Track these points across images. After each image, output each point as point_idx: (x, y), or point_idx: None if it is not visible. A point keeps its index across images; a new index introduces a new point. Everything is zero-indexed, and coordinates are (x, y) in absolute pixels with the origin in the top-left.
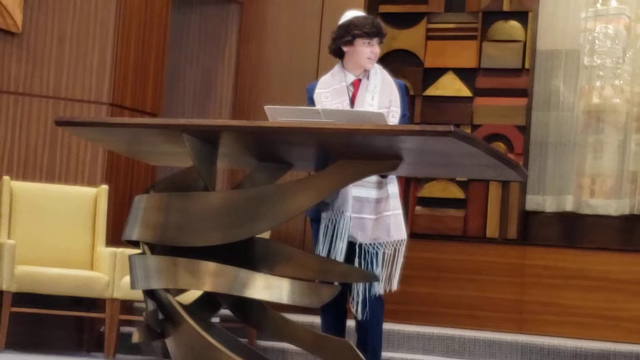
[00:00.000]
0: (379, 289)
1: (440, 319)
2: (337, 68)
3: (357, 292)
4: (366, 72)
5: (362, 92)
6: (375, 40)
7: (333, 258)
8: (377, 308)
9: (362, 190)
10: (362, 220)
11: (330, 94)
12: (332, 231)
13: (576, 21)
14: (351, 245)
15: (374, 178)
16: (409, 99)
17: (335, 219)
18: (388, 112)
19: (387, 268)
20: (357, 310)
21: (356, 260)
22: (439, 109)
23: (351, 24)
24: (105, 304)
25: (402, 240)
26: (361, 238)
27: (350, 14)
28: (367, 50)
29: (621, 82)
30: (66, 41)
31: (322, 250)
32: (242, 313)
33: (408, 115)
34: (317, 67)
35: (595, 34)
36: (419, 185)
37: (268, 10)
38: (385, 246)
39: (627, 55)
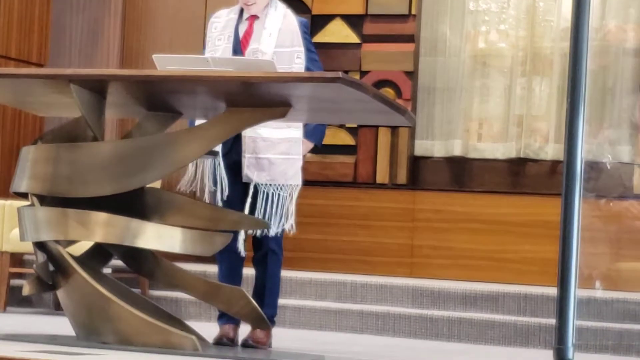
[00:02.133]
0: (275, 229)
1: (332, 265)
2: (239, 3)
3: (243, 235)
4: (265, 9)
5: (258, 29)
6: None
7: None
8: (275, 258)
9: (264, 130)
10: (259, 160)
11: (219, 24)
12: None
13: None
14: (245, 185)
15: None
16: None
17: (210, 161)
18: (292, 52)
19: (283, 210)
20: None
21: (249, 200)
22: (327, 56)
23: None
24: None
25: (296, 186)
26: (257, 178)
27: None
28: None
29: (506, 26)
30: None
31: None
32: (134, 263)
33: (317, 58)
34: (204, 14)
35: None
36: None
37: None
38: (281, 189)
39: None
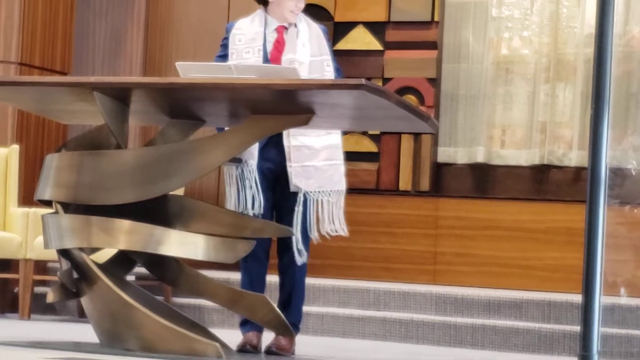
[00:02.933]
0: (326, 230)
1: (355, 272)
2: (258, 12)
3: (297, 240)
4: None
5: (291, 39)
6: None
7: (247, 209)
8: (302, 266)
9: (306, 138)
10: (306, 168)
11: (245, 36)
12: (238, 182)
13: None
14: (294, 194)
15: None
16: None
17: (242, 169)
18: (322, 61)
19: (335, 216)
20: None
21: (299, 208)
22: (350, 63)
23: None
24: (18, 264)
25: (342, 191)
26: (305, 186)
27: None
28: (291, 4)
29: (529, 33)
30: None
31: (233, 203)
32: (158, 270)
33: (338, 67)
34: (227, 22)
35: None
36: None
37: None
38: (330, 195)
39: (535, 6)
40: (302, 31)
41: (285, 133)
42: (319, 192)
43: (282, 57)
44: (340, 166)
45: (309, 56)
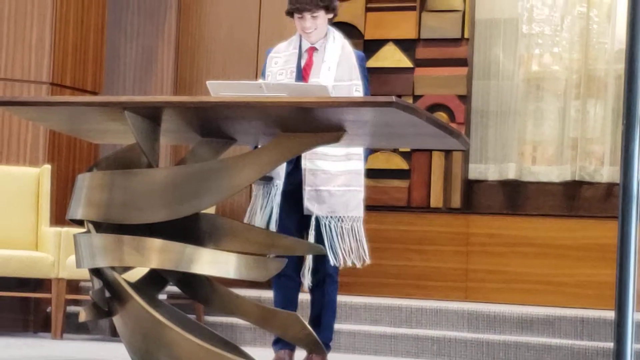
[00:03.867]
0: (336, 262)
1: (387, 290)
2: (296, 34)
3: (309, 266)
4: (324, 41)
5: (317, 62)
6: (307, 15)
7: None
8: (332, 283)
9: (323, 163)
10: (319, 192)
11: (280, 59)
12: (264, 201)
13: None
14: (306, 217)
15: (341, 151)
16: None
17: (269, 188)
18: (351, 86)
19: (348, 243)
20: (306, 281)
21: (311, 232)
22: (380, 81)
23: None
24: (51, 284)
25: (358, 217)
26: (317, 210)
27: None
28: (298, 25)
29: (560, 49)
30: (4, 21)
31: (259, 220)
32: (190, 289)
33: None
34: (257, 41)
35: (533, 2)
36: None
37: None
38: (342, 220)
39: (565, 22)
40: (329, 54)
41: (303, 155)
42: (330, 217)
43: (308, 79)
44: (359, 193)
45: (332, 80)
